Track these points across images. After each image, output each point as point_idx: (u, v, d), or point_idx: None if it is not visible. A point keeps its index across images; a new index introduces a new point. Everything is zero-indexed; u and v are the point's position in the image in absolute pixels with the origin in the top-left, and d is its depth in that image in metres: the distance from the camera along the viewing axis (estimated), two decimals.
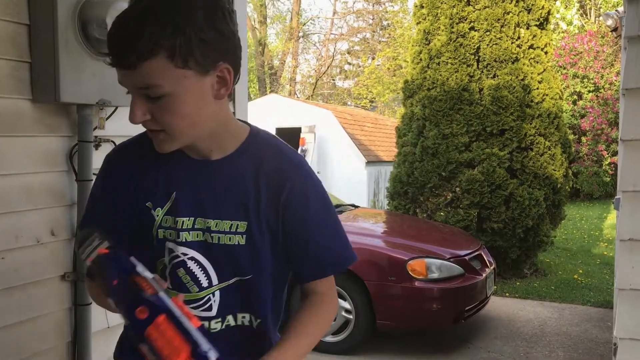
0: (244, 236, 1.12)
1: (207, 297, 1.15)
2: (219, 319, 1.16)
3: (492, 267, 4.84)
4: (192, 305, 1.13)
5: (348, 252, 1.23)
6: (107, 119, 1.96)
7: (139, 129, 1.09)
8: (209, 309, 1.15)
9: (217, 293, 1.15)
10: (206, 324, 1.15)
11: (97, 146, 1.93)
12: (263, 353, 1.09)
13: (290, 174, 1.14)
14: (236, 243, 1.12)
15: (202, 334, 0.92)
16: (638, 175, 2.55)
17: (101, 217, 1.16)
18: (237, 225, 1.12)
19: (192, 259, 1.13)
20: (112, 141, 1.97)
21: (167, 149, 1.07)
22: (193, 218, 1.12)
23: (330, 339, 4.42)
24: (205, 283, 1.14)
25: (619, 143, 3.00)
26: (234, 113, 2.48)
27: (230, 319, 1.17)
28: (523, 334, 4.93)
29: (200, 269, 1.13)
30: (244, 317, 1.19)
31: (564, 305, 5.80)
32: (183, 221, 1.11)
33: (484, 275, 4.56)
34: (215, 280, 1.14)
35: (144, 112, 1.01)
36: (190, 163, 1.13)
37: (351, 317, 4.34)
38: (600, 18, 14.55)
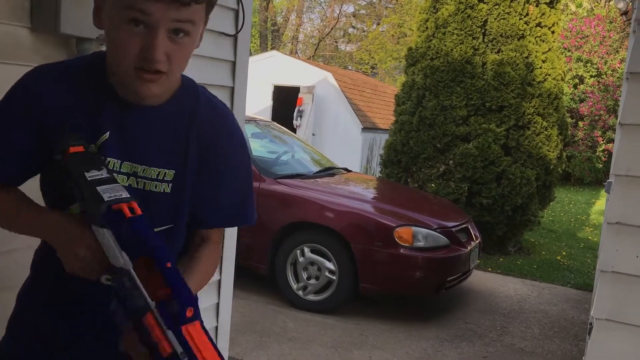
0: (170, 185, 1.12)
1: None
2: None
3: (477, 241, 4.89)
4: None
5: (252, 212, 1.26)
6: None
7: None
8: None
9: None
10: None
11: None
12: None
13: (220, 127, 1.18)
14: (162, 191, 1.12)
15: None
16: (633, 159, 2.56)
17: (20, 145, 1.10)
18: (165, 173, 1.12)
19: None
20: None
21: (155, 92, 1.06)
22: (120, 161, 1.10)
23: (312, 297, 4.48)
24: None
25: (617, 127, 3.00)
26: (234, 63, 2.46)
27: None
28: (501, 308, 5.01)
29: None
30: None
31: (544, 285, 5.88)
32: (110, 161, 1.09)
33: (469, 248, 4.61)
34: None
35: (164, 52, 1.01)
36: (122, 106, 1.10)
37: (334, 277, 4.39)
38: (611, 2, 14.38)
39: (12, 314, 1.23)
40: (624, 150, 2.62)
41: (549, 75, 6.65)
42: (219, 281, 2.53)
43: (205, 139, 1.15)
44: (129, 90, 1.07)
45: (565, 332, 4.57)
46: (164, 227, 1.15)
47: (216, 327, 2.56)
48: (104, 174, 1.02)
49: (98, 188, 0.98)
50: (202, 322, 0.85)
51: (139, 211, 0.96)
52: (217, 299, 2.54)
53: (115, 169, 1.09)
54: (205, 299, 2.50)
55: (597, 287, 2.83)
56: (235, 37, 2.42)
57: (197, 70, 2.19)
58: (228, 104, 2.44)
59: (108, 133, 1.09)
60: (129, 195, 0.99)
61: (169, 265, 0.88)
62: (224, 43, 2.42)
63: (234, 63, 2.44)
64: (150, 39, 0.99)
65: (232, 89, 2.44)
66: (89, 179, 0.99)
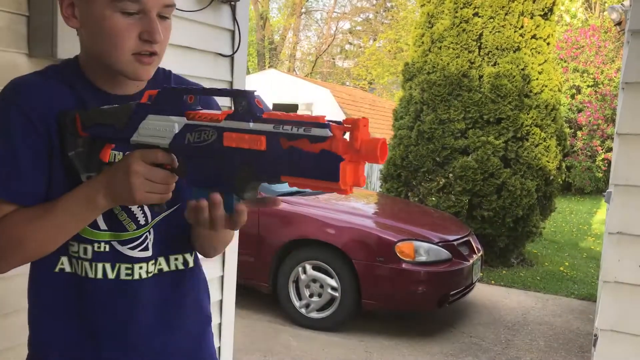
0: None
1: (144, 234, 1.12)
2: (153, 261, 1.14)
3: (479, 254, 4.87)
4: (129, 246, 1.11)
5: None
6: None
7: None
8: (146, 248, 1.13)
9: (152, 231, 1.13)
10: (144, 266, 1.12)
11: None
12: (195, 302, 1.21)
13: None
14: None
15: None
16: (631, 169, 2.56)
17: (37, 154, 1.04)
18: None
19: None
20: None
21: (151, 74, 1.10)
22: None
23: (315, 315, 4.46)
24: (142, 220, 1.12)
25: (614, 137, 3.01)
26: (231, 83, 2.47)
27: (162, 262, 1.16)
28: (506, 321, 4.98)
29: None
30: (176, 259, 1.18)
31: (547, 296, 5.86)
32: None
33: (471, 261, 4.59)
34: (150, 217, 1.12)
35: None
36: (108, 98, 1.10)
37: (337, 294, 4.37)
38: (605, 12, 14.47)
39: None
40: (622, 160, 2.63)
41: (546, 86, 6.68)
42: (221, 301, 2.51)
43: None
44: (118, 80, 1.10)
45: (571, 344, 4.54)
46: (173, 209, 1.14)
47: (219, 348, 2.55)
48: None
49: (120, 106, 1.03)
50: None
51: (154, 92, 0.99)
52: (220, 319, 2.53)
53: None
54: None
55: (600, 297, 2.82)
56: (232, 57, 2.44)
57: None
58: None
59: None
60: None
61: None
62: (221, 64, 2.44)
63: (231, 83, 2.45)
64: (150, 24, 1.03)
65: (230, 108, 2.45)
66: (107, 108, 1.04)
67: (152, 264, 1.14)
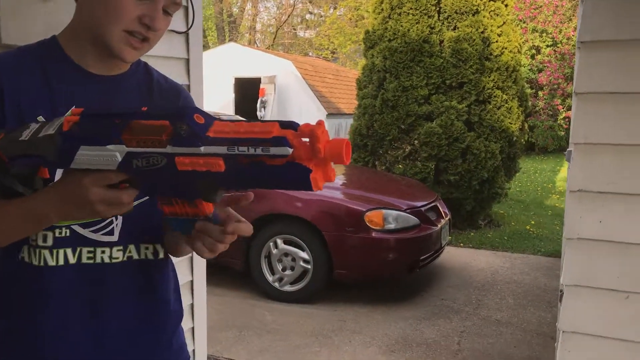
0: None
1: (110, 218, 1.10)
2: (121, 247, 1.12)
3: (447, 218, 4.94)
4: (91, 229, 1.08)
5: None
6: None
7: None
8: (111, 232, 1.10)
9: (119, 217, 1.10)
10: (107, 251, 1.10)
11: None
12: (159, 297, 1.17)
13: (180, 89, 1.26)
14: None
15: None
16: (589, 127, 2.61)
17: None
18: None
19: None
20: None
21: (134, 58, 1.10)
22: None
23: (288, 288, 4.48)
24: None
25: (573, 96, 3.05)
26: (187, 60, 2.42)
27: (132, 250, 1.14)
28: (475, 282, 5.09)
29: None
30: (147, 248, 1.15)
31: (515, 255, 6.00)
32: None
33: (439, 225, 4.66)
34: None
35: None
36: (88, 77, 1.10)
37: (309, 267, 4.40)
38: None
39: None
40: (580, 119, 2.67)
41: (506, 48, 6.73)
42: (192, 282, 2.50)
43: (169, 98, 1.22)
44: (101, 58, 1.09)
45: (539, 300, 4.67)
46: (142, 200, 1.10)
47: (192, 329, 2.54)
48: (34, 126, 0.95)
49: (40, 135, 0.92)
50: None
51: (77, 112, 0.91)
52: (191, 300, 2.52)
53: None
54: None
55: (564, 254, 2.90)
56: (187, 34, 2.38)
57: None
58: None
59: (73, 108, 1.04)
60: (64, 114, 0.94)
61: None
62: (176, 41, 2.38)
63: (187, 60, 2.40)
64: (154, 10, 1.05)
65: (188, 86, 2.40)
66: (27, 137, 0.93)
67: (119, 250, 1.12)
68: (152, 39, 1.08)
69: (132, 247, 1.14)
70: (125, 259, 1.13)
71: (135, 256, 1.14)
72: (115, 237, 1.11)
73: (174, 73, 2.38)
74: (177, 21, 2.34)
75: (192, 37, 2.41)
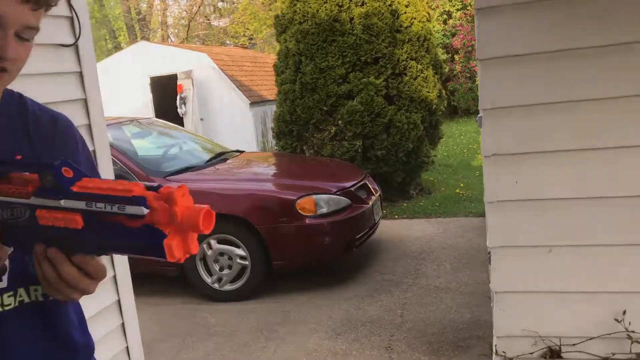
0: None
1: None
2: (11, 292, 1.06)
3: (377, 194, 4.99)
4: None
5: None
6: None
7: None
8: None
9: (6, 262, 1.04)
10: None
11: None
12: (61, 334, 1.10)
13: (57, 120, 1.17)
14: None
15: None
16: (495, 92, 2.67)
17: None
18: None
19: None
20: None
21: None
22: None
23: (229, 287, 4.42)
24: None
25: (477, 63, 3.11)
26: (80, 73, 2.30)
27: (22, 293, 1.08)
28: (412, 252, 5.18)
29: None
30: (36, 289, 1.10)
31: (448, 220, 6.14)
32: None
33: (370, 203, 4.70)
34: None
35: (14, 52, 0.98)
36: None
37: (247, 263, 4.34)
38: None
39: None
40: (486, 85, 2.72)
41: (415, 18, 6.81)
42: (118, 301, 2.41)
43: (42, 138, 1.12)
44: None
45: (474, 261, 4.80)
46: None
47: (127, 348, 2.46)
48: None
49: None
50: None
51: None
52: (121, 319, 2.43)
53: None
54: (109, 321, 2.39)
55: (487, 218, 2.98)
56: (75, 45, 2.26)
57: (42, 89, 2.04)
58: (84, 116, 2.29)
59: None
60: None
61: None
62: (66, 55, 2.25)
63: (80, 73, 2.28)
64: (4, 39, 0.95)
65: (85, 100, 2.29)
66: None
67: (10, 297, 1.05)
68: (10, 68, 0.99)
69: (21, 290, 1.07)
70: (17, 304, 1.06)
71: (27, 299, 1.08)
72: (4, 283, 1.04)
73: (68, 88, 2.26)
74: (62, 34, 2.23)
75: (83, 49, 2.29)
